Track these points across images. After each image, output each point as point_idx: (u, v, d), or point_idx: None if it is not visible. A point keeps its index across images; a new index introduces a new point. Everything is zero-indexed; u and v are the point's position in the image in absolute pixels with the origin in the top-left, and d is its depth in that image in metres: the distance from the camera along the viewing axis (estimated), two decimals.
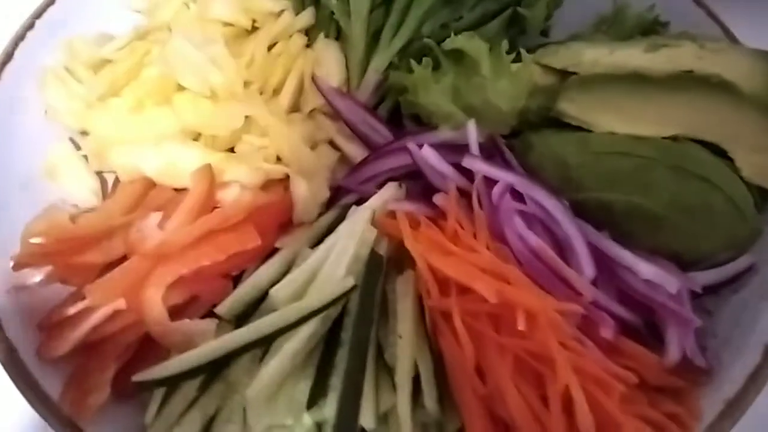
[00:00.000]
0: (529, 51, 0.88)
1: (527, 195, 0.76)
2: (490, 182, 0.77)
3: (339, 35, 0.93)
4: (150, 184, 0.76)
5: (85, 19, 0.89)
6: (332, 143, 0.89)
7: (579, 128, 0.82)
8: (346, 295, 0.64)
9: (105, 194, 0.80)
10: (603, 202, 0.77)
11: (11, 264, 0.68)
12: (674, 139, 0.77)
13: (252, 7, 0.90)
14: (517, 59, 0.85)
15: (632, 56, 0.83)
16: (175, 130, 0.79)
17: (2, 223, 0.72)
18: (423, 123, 0.89)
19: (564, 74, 0.86)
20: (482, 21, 0.93)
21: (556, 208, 0.74)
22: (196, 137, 0.81)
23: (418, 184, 0.83)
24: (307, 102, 0.88)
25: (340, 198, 0.85)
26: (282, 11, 0.91)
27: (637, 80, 0.79)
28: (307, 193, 0.77)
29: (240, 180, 0.75)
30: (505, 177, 0.76)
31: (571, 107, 0.83)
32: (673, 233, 0.74)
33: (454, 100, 0.86)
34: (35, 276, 0.69)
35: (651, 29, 0.97)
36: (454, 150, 0.82)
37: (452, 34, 0.87)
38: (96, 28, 0.89)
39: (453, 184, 0.77)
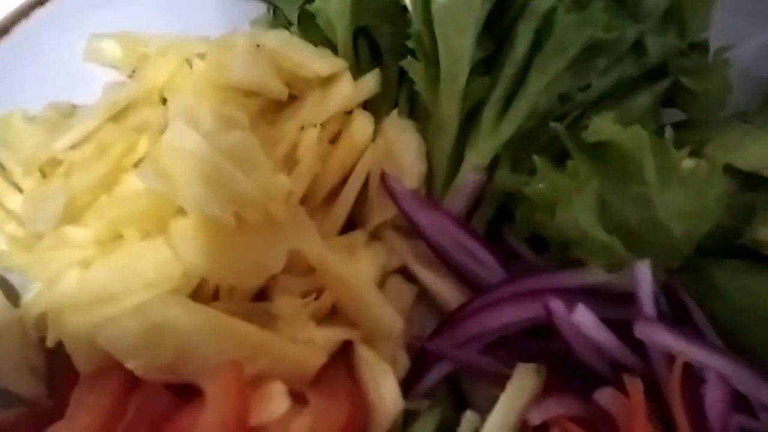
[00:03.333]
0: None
1: (753, 398, 0.47)
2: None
3: (413, 109, 0.63)
4: (130, 380, 0.45)
5: (31, 78, 0.58)
6: (406, 272, 0.59)
7: None
8: None
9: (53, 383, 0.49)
10: None
11: None
12: None
13: (288, 66, 0.59)
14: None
15: None
16: (171, 277, 0.48)
17: None
18: (542, 246, 0.59)
19: (753, 179, 0.58)
20: (619, 91, 0.63)
21: None
22: (203, 288, 0.50)
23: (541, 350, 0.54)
24: (373, 214, 0.58)
25: (423, 368, 0.55)
26: (335, 73, 0.60)
27: None
28: (392, 390, 0.46)
29: (285, 375, 0.45)
30: (716, 365, 0.47)
31: None
32: None
33: (602, 220, 0.56)
34: None
35: None
36: (605, 301, 0.53)
37: (584, 114, 0.59)
38: (47, 95, 0.58)
39: (635, 376, 0.48)
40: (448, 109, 0.59)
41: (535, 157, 0.56)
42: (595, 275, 0.54)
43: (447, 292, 0.58)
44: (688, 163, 0.57)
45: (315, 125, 0.56)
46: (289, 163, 0.55)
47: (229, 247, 0.48)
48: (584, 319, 0.49)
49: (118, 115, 0.54)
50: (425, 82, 0.59)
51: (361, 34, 0.66)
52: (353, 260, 0.54)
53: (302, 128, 0.56)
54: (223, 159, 0.49)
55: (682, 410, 0.45)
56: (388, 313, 0.52)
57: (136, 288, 0.47)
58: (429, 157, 0.60)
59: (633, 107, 0.62)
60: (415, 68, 0.59)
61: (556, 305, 0.50)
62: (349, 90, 0.58)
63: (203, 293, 0.49)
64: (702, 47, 0.66)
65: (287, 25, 0.67)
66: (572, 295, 0.52)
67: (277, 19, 0.69)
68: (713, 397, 0.46)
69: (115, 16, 0.61)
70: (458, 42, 0.57)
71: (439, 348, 0.55)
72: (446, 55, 0.57)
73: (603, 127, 0.55)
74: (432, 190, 0.60)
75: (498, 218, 0.62)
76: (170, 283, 0.47)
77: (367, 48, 0.66)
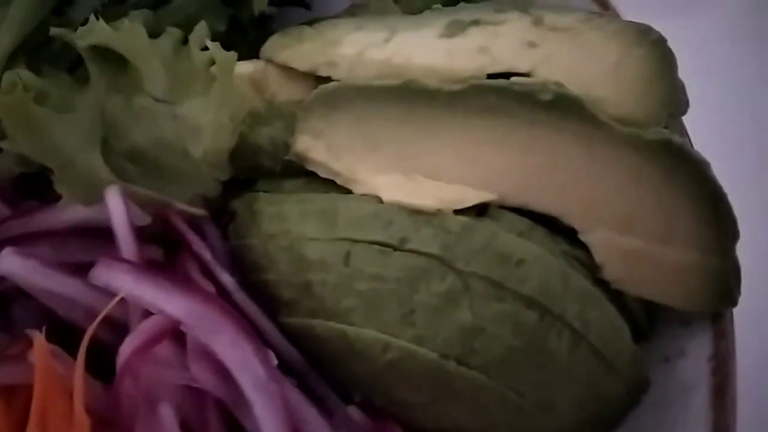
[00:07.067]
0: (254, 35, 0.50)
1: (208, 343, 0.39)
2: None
3: None
4: None
5: None
6: None
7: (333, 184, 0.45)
8: None
9: None
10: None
11: None
12: (481, 211, 0.41)
13: None
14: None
15: (420, 45, 0.45)
16: None
17: None
18: None
19: (317, 81, 0.48)
20: None
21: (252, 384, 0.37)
22: None
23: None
24: None
25: None
26: None
27: (420, 96, 0.42)
28: None
29: None
30: (170, 307, 0.39)
31: (316, 146, 0.45)
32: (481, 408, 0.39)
33: (107, 143, 0.46)
34: None
35: None
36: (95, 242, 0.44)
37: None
38: None
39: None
40: None
41: (16, 71, 0.45)
42: (72, 212, 0.44)
43: None
44: (217, 66, 0.47)
45: None
46: None
47: None
48: (15, 267, 0.40)
49: None
50: None
51: None
52: None
53: None
54: None
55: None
56: None
57: None
58: None
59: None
60: None
61: None
62: None
63: None
64: None
65: None
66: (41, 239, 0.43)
67: None
68: (134, 343, 0.37)
69: None
70: None
71: None
72: None
73: (97, 28, 0.45)
74: None
75: None
76: None
77: None
